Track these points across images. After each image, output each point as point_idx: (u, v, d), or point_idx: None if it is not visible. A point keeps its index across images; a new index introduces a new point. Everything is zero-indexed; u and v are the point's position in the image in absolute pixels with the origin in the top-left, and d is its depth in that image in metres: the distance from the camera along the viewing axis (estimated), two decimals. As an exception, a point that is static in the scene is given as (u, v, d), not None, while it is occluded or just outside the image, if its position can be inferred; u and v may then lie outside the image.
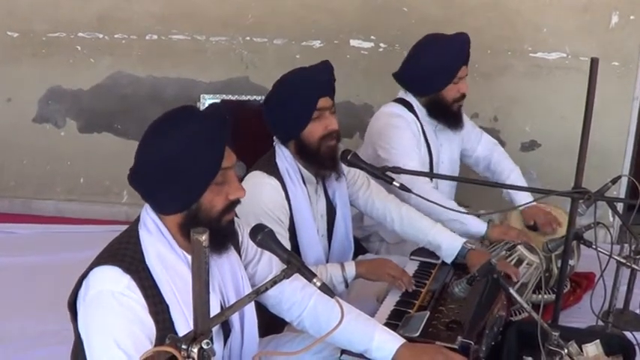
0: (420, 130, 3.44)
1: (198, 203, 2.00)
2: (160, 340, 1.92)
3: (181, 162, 1.94)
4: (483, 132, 3.78)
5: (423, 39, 3.44)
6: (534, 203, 3.44)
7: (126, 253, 2.00)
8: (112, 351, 1.87)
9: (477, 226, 3.24)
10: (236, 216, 2.19)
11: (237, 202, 2.08)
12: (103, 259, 2.00)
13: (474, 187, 3.60)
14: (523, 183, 3.59)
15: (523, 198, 3.40)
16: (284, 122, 2.83)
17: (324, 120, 2.79)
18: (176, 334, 1.93)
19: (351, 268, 2.88)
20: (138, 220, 2.09)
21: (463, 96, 3.43)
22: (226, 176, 2.03)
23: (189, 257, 2.01)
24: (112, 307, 1.91)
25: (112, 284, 1.93)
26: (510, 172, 3.65)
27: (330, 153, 2.85)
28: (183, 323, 1.99)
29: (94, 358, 1.92)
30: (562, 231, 3.30)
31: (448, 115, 3.46)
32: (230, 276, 2.19)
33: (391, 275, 2.84)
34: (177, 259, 2.05)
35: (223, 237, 2.07)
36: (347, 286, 2.89)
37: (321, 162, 2.86)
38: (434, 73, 3.35)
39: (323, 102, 2.78)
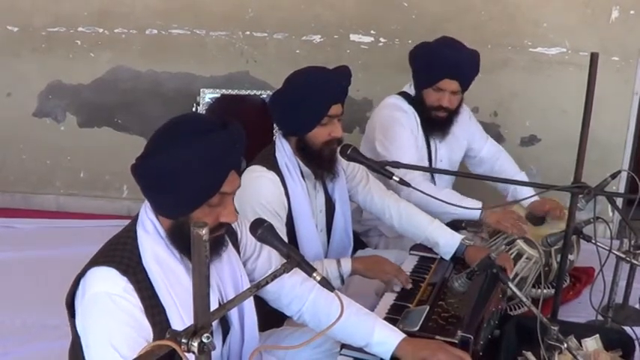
0: (419, 124, 3.45)
1: (187, 217, 1.98)
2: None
3: (181, 176, 1.91)
4: (489, 136, 3.78)
5: (441, 38, 3.38)
6: (537, 198, 3.45)
7: (123, 254, 1.99)
8: (108, 352, 1.87)
9: (472, 212, 3.23)
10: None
11: (226, 224, 2.06)
12: (100, 260, 1.99)
13: (473, 184, 3.60)
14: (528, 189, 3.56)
15: (527, 201, 3.41)
16: (291, 120, 2.82)
17: (331, 126, 2.78)
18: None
19: (347, 265, 2.87)
20: (136, 218, 2.08)
21: (442, 107, 3.38)
22: (223, 200, 2.01)
23: (186, 259, 2.02)
24: (109, 310, 1.91)
25: (108, 286, 1.93)
26: (515, 175, 3.65)
27: (329, 156, 2.85)
28: (180, 325, 1.96)
29: (90, 358, 1.93)
30: (562, 225, 3.30)
31: (425, 117, 3.44)
32: (229, 274, 2.18)
33: (388, 274, 2.84)
34: (174, 260, 2.04)
35: (210, 250, 2.03)
36: (343, 282, 2.88)
37: (319, 163, 2.87)
38: (418, 71, 3.37)
39: (335, 109, 2.77)
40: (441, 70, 3.30)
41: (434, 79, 3.33)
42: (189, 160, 1.91)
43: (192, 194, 1.95)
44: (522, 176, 3.67)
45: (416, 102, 3.44)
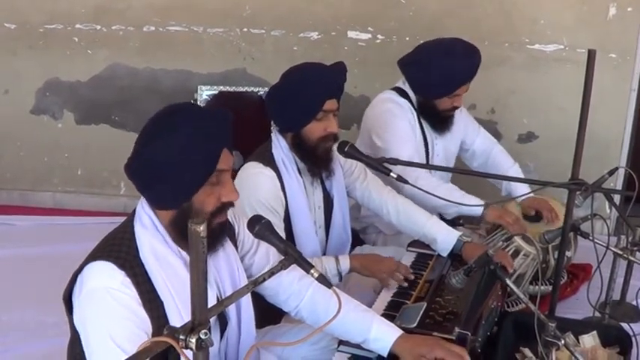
0: (416, 117, 3.44)
1: (189, 202, 1.98)
2: (155, 335, 1.91)
3: (176, 162, 1.92)
4: (481, 127, 3.78)
5: (440, 44, 3.35)
6: (532, 195, 3.45)
7: (121, 249, 1.99)
8: (109, 347, 1.87)
9: (474, 208, 3.23)
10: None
11: (229, 204, 2.06)
12: (97, 255, 1.99)
13: (469, 181, 3.60)
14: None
15: (522, 192, 3.41)
16: (286, 115, 2.82)
17: (326, 121, 2.79)
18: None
19: (345, 262, 2.88)
20: (133, 213, 2.08)
21: (455, 108, 3.42)
22: (221, 178, 2.01)
23: (184, 253, 2.02)
24: (107, 304, 1.90)
25: (106, 280, 1.93)
26: (509, 168, 3.64)
27: (324, 154, 2.86)
28: (178, 319, 1.97)
29: (91, 353, 1.93)
30: (559, 222, 3.30)
31: (434, 119, 3.46)
32: (226, 269, 2.18)
33: (385, 273, 2.83)
34: (171, 254, 2.03)
35: (213, 239, 2.04)
36: (341, 279, 2.89)
37: (315, 160, 2.87)
38: (434, 83, 3.32)
39: (330, 104, 2.77)
40: (461, 80, 3.31)
41: (453, 89, 3.32)
42: (181, 143, 1.91)
43: (190, 177, 1.95)
44: (516, 168, 3.67)
45: (424, 108, 3.43)
